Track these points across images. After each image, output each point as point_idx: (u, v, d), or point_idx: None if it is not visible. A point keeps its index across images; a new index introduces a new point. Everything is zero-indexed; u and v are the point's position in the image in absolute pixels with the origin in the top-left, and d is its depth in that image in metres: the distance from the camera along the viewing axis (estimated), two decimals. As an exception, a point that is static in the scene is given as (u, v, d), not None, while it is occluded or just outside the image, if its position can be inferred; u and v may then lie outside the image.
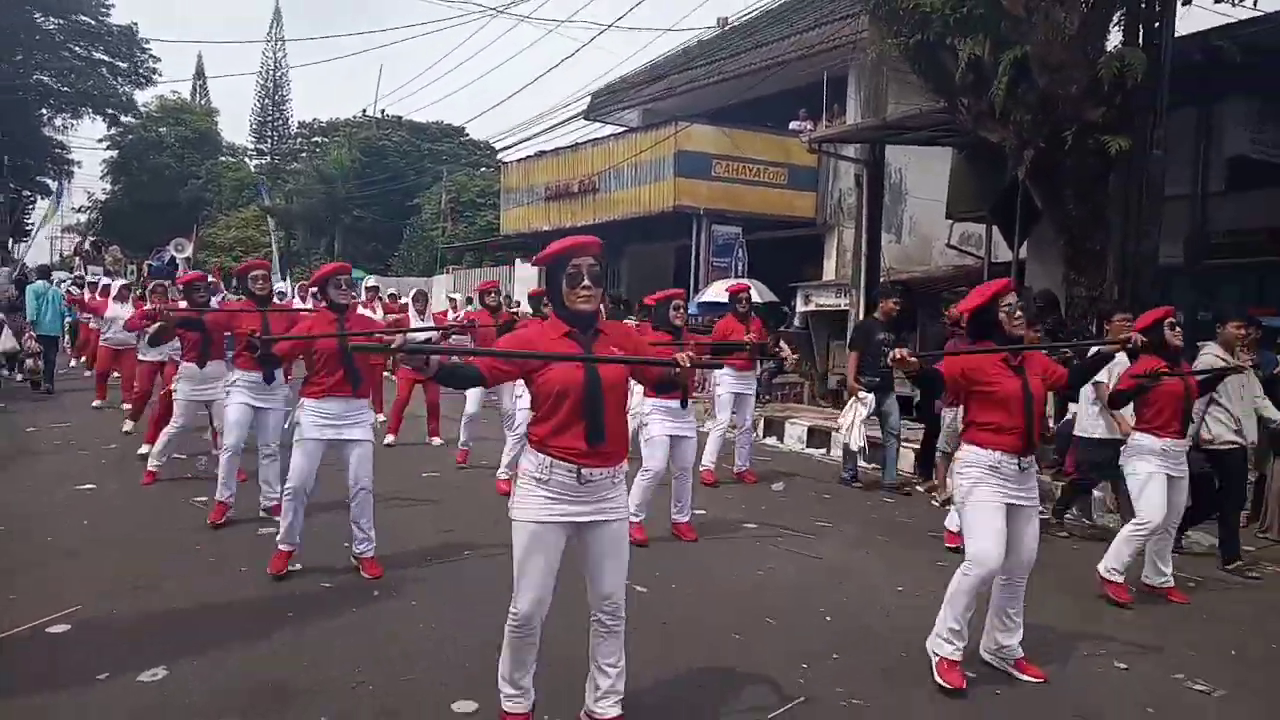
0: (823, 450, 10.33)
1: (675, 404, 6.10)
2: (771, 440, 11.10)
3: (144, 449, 8.23)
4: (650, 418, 6.13)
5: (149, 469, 7.36)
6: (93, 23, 36.83)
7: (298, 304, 12.18)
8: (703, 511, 6.85)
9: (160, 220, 40.12)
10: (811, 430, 10.75)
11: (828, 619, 4.81)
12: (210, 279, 21.21)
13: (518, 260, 21.75)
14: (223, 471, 6.18)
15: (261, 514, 6.28)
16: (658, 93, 19.74)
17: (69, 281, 19.98)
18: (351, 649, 4.15)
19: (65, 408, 11.50)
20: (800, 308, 15.15)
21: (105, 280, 16.19)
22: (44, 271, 16.29)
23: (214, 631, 4.30)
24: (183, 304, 7.42)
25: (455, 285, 23.23)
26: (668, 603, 4.97)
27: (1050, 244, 11.05)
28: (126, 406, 10.84)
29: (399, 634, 4.35)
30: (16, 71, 35.35)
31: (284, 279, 26.93)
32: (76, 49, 37.36)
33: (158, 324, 6.17)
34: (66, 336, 18.88)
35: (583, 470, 3.14)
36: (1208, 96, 9.12)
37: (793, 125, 16.94)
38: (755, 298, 13.87)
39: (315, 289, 5.69)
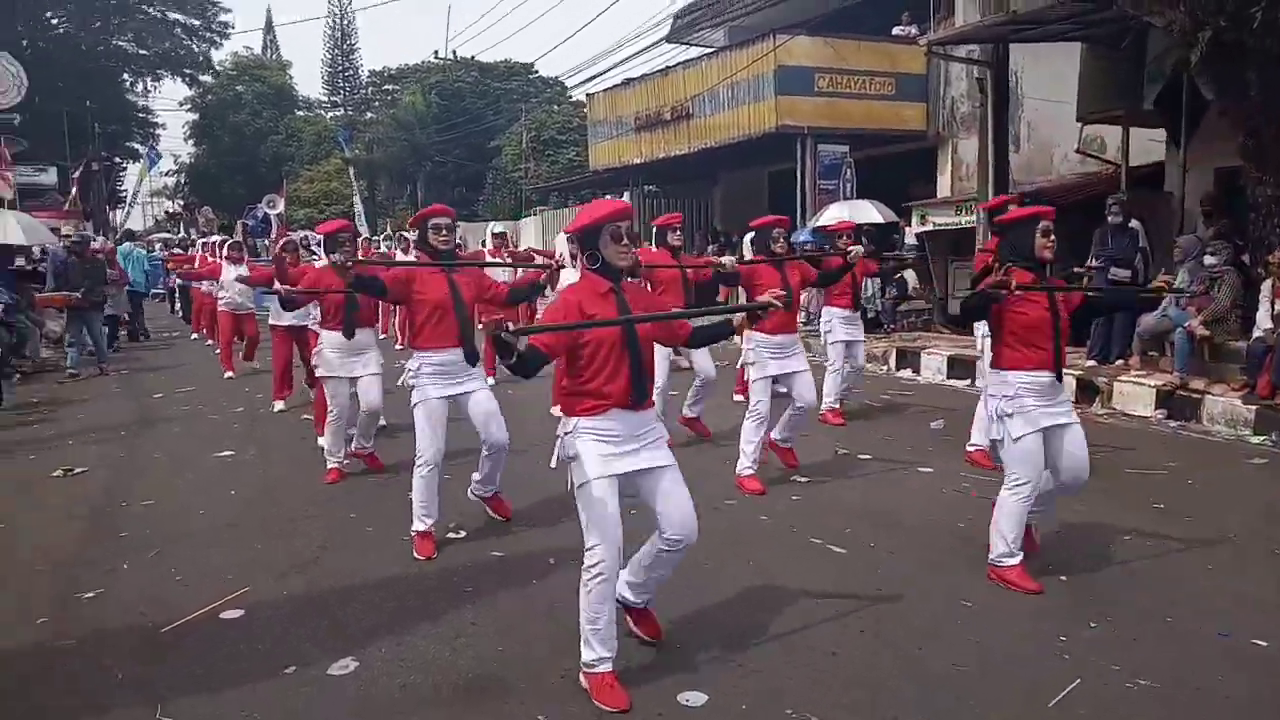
0: (966, 381, 9.63)
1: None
2: (906, 373, 10.46)
3: (277, 405, 8.66)
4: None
5: (330, 466, 6.18)
6: (162, -19, 37.02)
7: (399, 255, 11.68)
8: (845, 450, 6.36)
9: (245, 178, 40.69)
10: (952, 360, 10.07)
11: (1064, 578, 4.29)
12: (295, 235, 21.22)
13: (607, 197, 21.20)
14: (419, 494, 4.75)
15: (472, 497, 5.24)
16: (745, 6, 18.70)
17: (171, 245, 20.29)
18: (546, 629, 3.79)
19: (187, 373, 11.52)
20: (916, 228, 14.25)
21: (214, 238, 16.07)
22: (129, 235, 16.85)
23: (394, 613, 4.00)
24: (318, 261, 6.94)
25: (543, 227, 22.82)
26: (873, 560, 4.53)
27: (1205, 141, 10.06)
28: (254, 365, 11.00)
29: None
30: (97, 39, 35.80)
31: (369, 229, 26.94)
32: (150, 10, 37.64)
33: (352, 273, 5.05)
34: (177, 302, 19.33)
35: None
36: None
37: (896, 30, 15.87)
38: (877, 218, 13.27)
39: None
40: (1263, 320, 7.55)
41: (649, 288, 6.37)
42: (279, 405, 8.72)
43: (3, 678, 3.57)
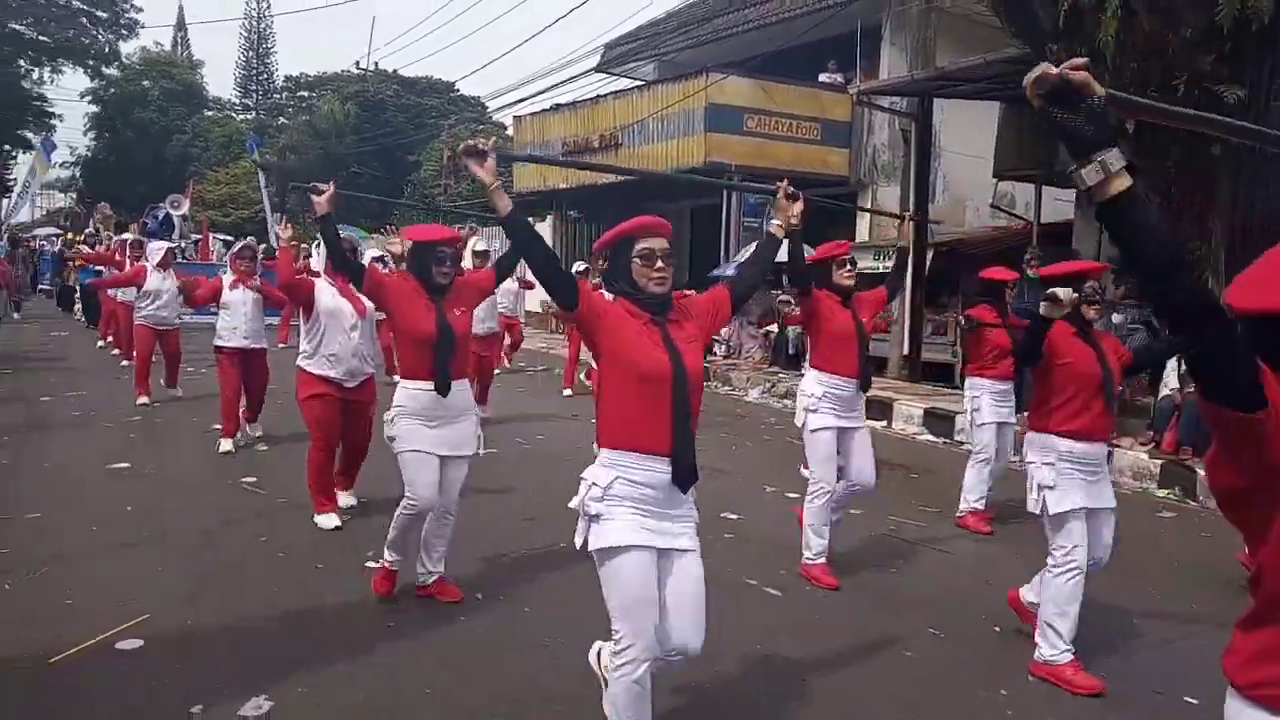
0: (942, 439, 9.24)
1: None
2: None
3: (225, 444, 7.16)
4: None
5: (385, 563, 4.31)
6: (68, -31, 35.38)
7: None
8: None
9: (147, 177, 38.95)
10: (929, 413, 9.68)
11: (996, 629, 4.28)
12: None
13: (530, 219, 20.99)
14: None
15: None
16: (677, 43, 18.89)
17: (64, 240, 19.06)
18: (481, 667, 3.59)
19: (78, 375, 10.82)
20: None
21: (128, 235, 13.67)
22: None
23: (311, 648, 3.73)
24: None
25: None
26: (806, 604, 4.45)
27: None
28: (176, 392, 9.59)
29: (526, 642, 3.80)
30: (-7, 21, 33.92)
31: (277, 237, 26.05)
32: (54, -3, 35.93)
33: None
34: (76, 303, 18.01)
35: None
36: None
37: (823, 78, 16.22)
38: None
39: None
40: (1169, 379, 7.86)
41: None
42: (226, 444, 7.20)
43: None
